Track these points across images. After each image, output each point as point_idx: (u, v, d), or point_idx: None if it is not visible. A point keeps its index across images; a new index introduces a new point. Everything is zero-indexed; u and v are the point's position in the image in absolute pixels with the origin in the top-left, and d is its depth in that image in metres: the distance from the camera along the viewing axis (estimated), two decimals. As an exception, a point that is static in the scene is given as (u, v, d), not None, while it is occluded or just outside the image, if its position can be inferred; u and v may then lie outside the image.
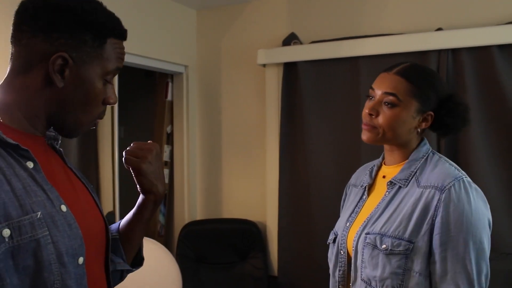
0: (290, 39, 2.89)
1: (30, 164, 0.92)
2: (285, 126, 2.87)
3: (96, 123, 1.05)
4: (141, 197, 1.16)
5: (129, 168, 1.12)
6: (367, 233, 1.39)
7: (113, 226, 1.20)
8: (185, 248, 2.96)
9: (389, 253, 1.34)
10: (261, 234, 2.96)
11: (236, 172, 3.14)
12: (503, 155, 2.39)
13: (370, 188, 1.54)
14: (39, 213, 0.88)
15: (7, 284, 0.83)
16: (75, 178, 1.06)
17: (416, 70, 1.46)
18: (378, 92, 1.43)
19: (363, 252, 1.39)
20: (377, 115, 1.41)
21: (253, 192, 3.07)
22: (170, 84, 3.27)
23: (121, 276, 1.20)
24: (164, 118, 3.27)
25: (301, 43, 2.88)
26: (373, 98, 1.44)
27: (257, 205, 3.04)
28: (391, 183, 1.44)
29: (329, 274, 2.68)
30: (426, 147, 1.47)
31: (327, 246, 2.66)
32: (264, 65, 2.95)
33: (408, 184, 1.40)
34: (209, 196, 3.23)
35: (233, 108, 3.16)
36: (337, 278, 1.50)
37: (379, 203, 1.44)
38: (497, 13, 2.45)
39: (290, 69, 2.86)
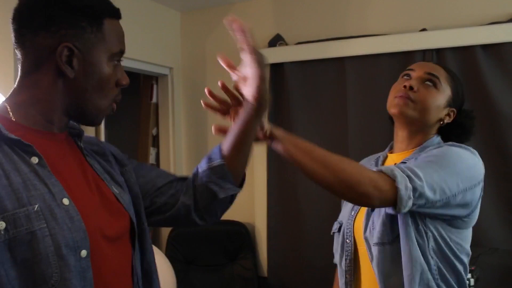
0: (276, 41, 2.90)
1: (34, 160, 0.93)
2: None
3: (114, 107, 1.06)
4: (245, 113, 1.16)
5: (256, 64, 1.08)
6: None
7: (215, 151, 1.23)
8: (175, 251, 2.95)
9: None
10: (250, 235, 2.97)
11: (223, 174, 3.13)
12: (488, 152, 2.43)
13: None
14: (37, 206, 0.89)
15: (3, 276, 0.85)
16: (94, 175, 1.07)
17: (450, 68, 1.55)
18: (419, 72, 1.46)
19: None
20: (417, 91, 1.43)
21: (241, 193, 3.02)
22: (155, 86, 3.25)
23: (231, 200, 1.27)
24: (149, 121, 3.25)
25: (286, 44, 2.89)
26: (409, 76, 1.47)
27: (245, 206, 3.04)
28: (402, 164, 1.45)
29: (319, 273, 2.71)
30: (439, 138, 1.49)
31: (317, 246, 2.72)
32: (250, 67, 2.96)
33: None
34: (196, 198, 3.21)
35: (219, 110, 3.16)
36: (343, 268, 1.50)
37: None
38: (480, 14, 2.51)
39: (276, 70, 2.88)
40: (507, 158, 2.41)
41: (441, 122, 1.47)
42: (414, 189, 1.23)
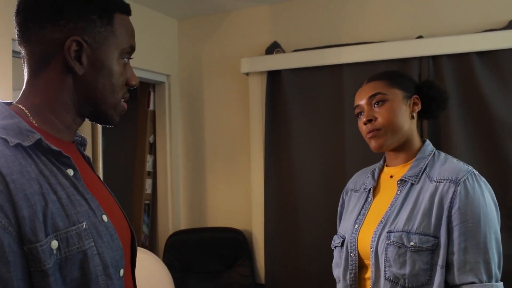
0: (273, 48, 2.91)
1: (70, 172, 0.90)
2: (269, 134, 2.89)
3: (125, 107, 1.01)
4: None
5: None
6: (390, 232, 1.41)
7: None
8: (172, 258, 2.94)
9: (417, 250, 1.36)
10: (247, 242, 2.96)
11: (221, 181, 3.14)
12: (484, 157, 2.45)
13: (374, 190, 1.57)
14: (85, 223, 0.86)
15: None
16: (103, 185, 1.04)
17: (381, 72, 1.59)
18: (363, 102, 1.52)
19: (386, 251, 1.40)
20: (375, 119, 1.48)
21: (238, 200, 3.07)
22: (152, 93, 3.25)
23: None
24: (146, 128, 3.25)
25: (283, 51, 2.90)
26: (362, 113, 1.53)
27: (242, 213, 3.04)
28: (402, 181, 1.48)
29: (316, 280, 2.70)
30: (430, 146, 1.53)
31: (314, 253, 2.72)
32: (247, 74, 2.97)
33: (419, 180, 1.45)
34: (193, 206, 3.21)
35: (217, 117, 3.17)
36: (348, 282, 1.50)
37: (393, 201, 1.47)
38: (475, 21, 2.53)
39: (274, 77, 2.89)
40: (503, 163, 2.42)
41: (412, 115, 1.51)
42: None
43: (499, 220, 1.42)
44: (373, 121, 1.48)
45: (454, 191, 1.37)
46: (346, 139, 2.71)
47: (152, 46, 3.06)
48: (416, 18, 2.65)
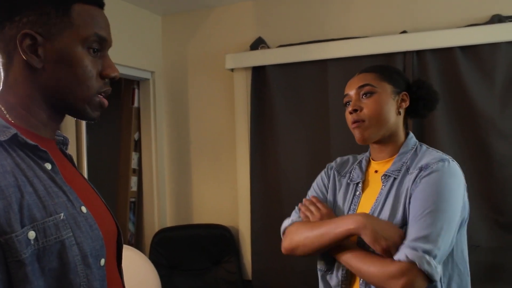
0: (258, 44, 2.90)
1: (48, 166, 0.91)
2: (255, 130, 2.89)
3: (103, 101, 0.98)
4: None
5: None
6: None
7: None
8: (158, 255, 2.92)
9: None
10: (234, 239, 2.96)
11: (206, 178, 3.13)
12: (467, 150, 2.48)
13: (363, 183, 1.57)
14: (62, 214, 0.87)
15: (35, 287, 0.82)
16: (86, 184, 1.05)
17: (374, 65, 1.60)
18: (352, 92, 1.52)
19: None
20: (361, 109, 1.48)
21: (224, 197, 3.07)
22: (136, 90, 3.23)
23: None
24: (131, 125, 3.22)
25: (268, 47, 2.90)
26: (350, 102, 1.53)
27: (228, 209, 3.04)
28: (385, 176, 1.48)
29: (303, 276, 2.71)
30: (413, 140, 1.54)
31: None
32: (232, 70, 2.96)
33: (401, 174, 1.45)
34: (179, 203, 3.20)
35: (202, 114, 3.15)
36: (340, 277, 1.49)
37: (377, 197, 1.47)
38: (458, 16, 2.55)
39: (259, 73, 2.88)
40: (486, 156, 2.45)
41: (399, 111, 1.51)
42: (435, 256, 1.27)
43: (466, 209, 1.40)
44: (358, 111, 1.48)
45: (418, 172, 1.38)
46: (331, 134, 2.71)
47: (136, 43, 3.04)
48: (400, 13, 2.67)
